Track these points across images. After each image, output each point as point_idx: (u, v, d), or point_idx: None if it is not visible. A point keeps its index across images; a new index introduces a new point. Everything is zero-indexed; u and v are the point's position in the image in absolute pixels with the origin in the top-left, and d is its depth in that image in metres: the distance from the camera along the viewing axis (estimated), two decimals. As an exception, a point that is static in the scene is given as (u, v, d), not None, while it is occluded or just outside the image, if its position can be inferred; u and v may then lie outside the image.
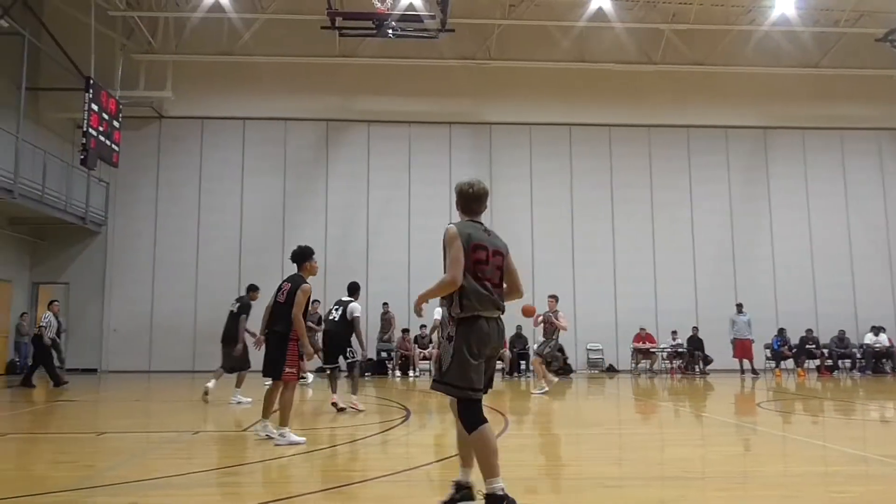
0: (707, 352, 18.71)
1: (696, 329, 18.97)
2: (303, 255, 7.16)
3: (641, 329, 18.95)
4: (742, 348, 17.89)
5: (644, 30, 19.58)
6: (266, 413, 7.10)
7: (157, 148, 19.73)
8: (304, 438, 7.00)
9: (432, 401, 12.02)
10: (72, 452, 6.81)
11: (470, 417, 4.03)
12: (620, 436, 8.29)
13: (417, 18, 16.24)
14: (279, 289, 7.10)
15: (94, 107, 15.29)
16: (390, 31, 15.99)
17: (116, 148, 16.59)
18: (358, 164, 19.92)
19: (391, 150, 19.98)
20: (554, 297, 13.46)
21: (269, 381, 7.22)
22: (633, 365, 18.93)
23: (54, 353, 17.86)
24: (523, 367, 18.19)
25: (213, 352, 17.14)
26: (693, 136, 20.66)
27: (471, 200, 4.40)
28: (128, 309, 19.05)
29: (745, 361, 17.94)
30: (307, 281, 7.06)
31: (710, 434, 8.33)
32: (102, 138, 15.71)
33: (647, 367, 19.11)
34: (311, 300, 7.40)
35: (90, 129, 15.10)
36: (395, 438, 7.66)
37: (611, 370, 19.32)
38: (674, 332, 18.90)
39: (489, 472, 3.95)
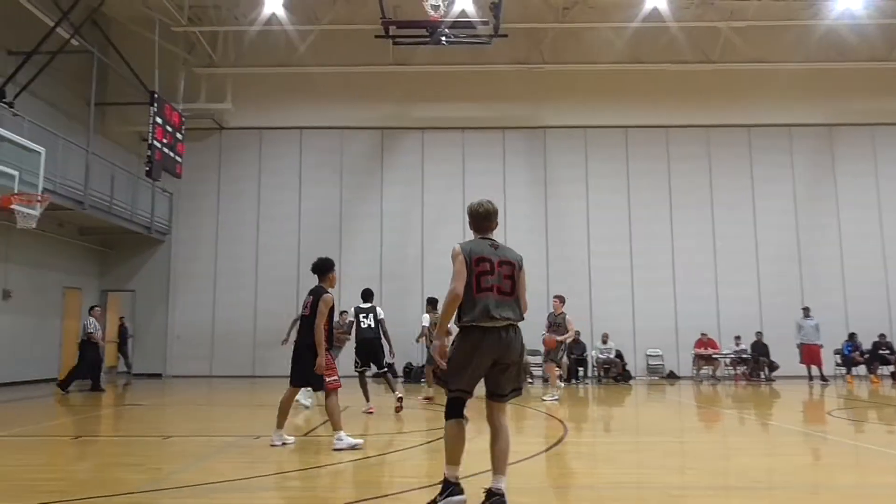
0: (773, 357, 18.10)
1: (760, 334, 18.38)
2: (324, 267, 7.32)
3: (703, 334, 18.47)
4: (810, 354, 17.27)
5: (701, 28, 19.14)
6: (281, 423, 7.16)
7: (217, 159, 20.27)
8: (361, 441, 7.07)
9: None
10: (140, 455, 7.02)
11: (450, 410, 4.54)
12: (683, 444, 8.08)
13: (470, 25, 16.25)
14: (304, 303, 7.26)
15: (159, 120, 15.78)
16: (443, 39, 16.03)
17: (179, 159, 17.09)
18: (413, 170, 20.05)
19: (445, 156, 20.04)
20: (559, 298, 12.88)
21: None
22: (695, 371, 18.46)
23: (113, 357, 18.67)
24: (581, 373, 17.94)
25: (272, 357, 17.56)
26: (754, 135, 20.07)
27: (480, 219, 4.73)
28: (190, 315, 19.57)
29: (814, 368, 17.30)
30: (329, 291, 7.19)
31: (778, 443, 8.05)
32: (167, 150, 16.21)
33: (710, 373, 18.59)
34: (335, 309, 7.54)
35: (155, 142, 15.60)
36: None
37: (671, 377, 18.89)
38: (737, 338, 18.36)
39: (449, 458, 4.46)
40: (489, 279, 4.41)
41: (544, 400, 12.30)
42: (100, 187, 16.80)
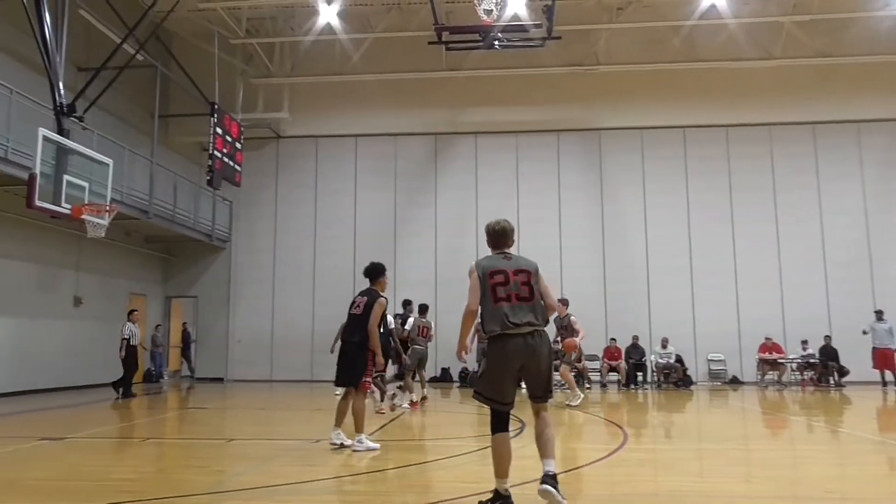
0: (843, 362, 17.42)
1: (828, 338, 17.71)
2: (376, 271, 7.57)
3: (767, 338, 17.89)
4: (883, 358, 16.57)
5: (761, 24, 18.61)
6: (339, 421, 7.29)
7: (275, 167, 20.69)
8: (378, 444, 7.19)
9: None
10: (204, 457, 7.19)
11: (493, 424, 4.64)
12: (748, 452, 7.85)
13: (523, 28, 16.17)
14: (353, 303, 7.42)
15: (219, 130, 16.20)
16: (496, 43, 15.99)
17: (239, 168, 17.51)
18: (466, 175, 20.06)
19: (499, 160, 19.98)
20: (563, 302, 12.50)
21: (339, 391, 7.55)
22: (760, 377, 17.90)
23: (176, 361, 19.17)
24: (640, 378, 17.61)
25: (330, 361, 17.75)
26: (820, 133, 19.37)
27: (497, 236, 5.01)
28: (250, 321, 20.00)
29: (888, 373, 16.58)
30: (382, 295, 7.39)
31: (851, 451, 7.74)
32: (226, 160, 16.62)
33: (775, 378, 18.01)
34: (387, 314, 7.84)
35: (215, 152, 16.00)
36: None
37: (734, 382, 18.36)
38: (804, 342, 17.72)
39: (497, 472, 4.61)
40: (505, 289, 4.66)
41: (570, 404, 11.93)
42: (163, 197, 17.36)
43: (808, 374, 17.74)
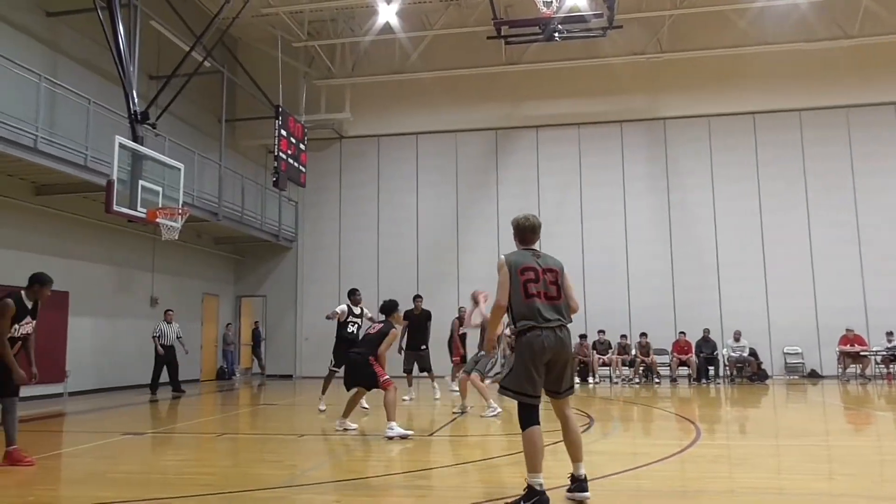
0: (930, 355, 16.53)
1: (916, 329, 16.83)
2: (390, 308, 8.49)
3: (848, 330, 17.11)
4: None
5: (836, 1, 17.81)
6: (347, 413, 8.44)
7: (338, 167, 21.01)
8: (411, 431, 7.85)
9: (614, 408, 11.69)
10: (277, 452, 7.36)
11: (523, 418, 4.62)
12: (829, 448, 7.54)
13: (583, 18, 15.93)
14: (371, 325, 8.57)
15: (283, 132, 16.54)
16: (556, 35, 15.80)
17: (303, 169, 17.84)
18: (528, 169, 19.91)
19: (561, 153, 19.76)
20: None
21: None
22: (840, 370, 17.15)
23: (224, 360, 19.64)
24: (711, 372, 17.14)
25: (397, 358, 17.92)
26: (902, 113, 18.41)
27: (527, 231, 5.02)
28: (317, 319, 20.20)
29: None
30: (395, 327, 8.42)
31: (943, 449, 7.34)
32: (291, 161, 16.96)
33: (858, 372, 17.22)
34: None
35: (281, 154, 16.34)
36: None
37: (813, 376, 17.67)
38: (889, 333, 16.87)
39: (531, 467, 4.52)
40: (535, 286, 4.70)
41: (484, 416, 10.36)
42: (231, 199, 17.85)
43: (894, 367, 16.90)
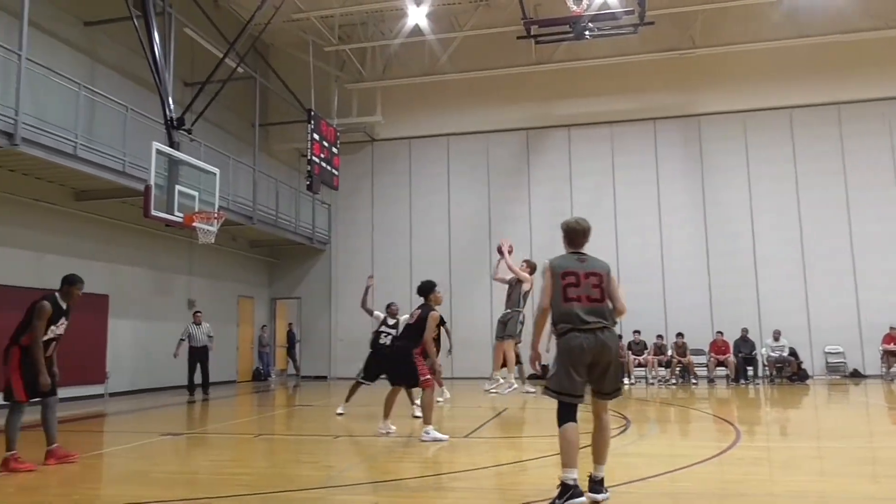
0: (978, 354, 16.02)
1: (964, 328, 16.33)
2: (428, 289, 8.25)
3: (892, 328, 16.65)
4: None
5: (876, -8, 17.37)
6: (387, 414, 8.17)
7: (370, 169, 21.12)
8: (447, 436, 7.65)
9: (651, 410, 11.56)
10: (313, 453, 7.43)
11: (561, 415, 4.75)
12: (874, 450, 7.36)
13: (613, 16, 15.77)
14: (412, 314, 8.32)
15: (316, 136, 16.68)
16: (587, 33, 15.67)
17: (336, 172, 17.97)
18: (560, 169, 19.78)
19: (593, 152, 19.59)
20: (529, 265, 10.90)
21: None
22: (884, 369, 16.71)
23: (262, 361, 19.82)
24: (750, 373, 16.83)
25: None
26: (946, 106, 17.88)
27: (577, 235, 5.08)
28: (351, 320, 20.44)
29: None
30: (435, 308, 8.18)
31: None
32: (324, 164, 17.11)
33: (902, 372, 16.77)
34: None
35: (313, 157, 16.50)
36: (614, 448, 7.41)
37: (856, 375, 17.25)
38: (934, 332, 16.43)
39: (565, 462, 4.65)
40: (575, 290, 4.79)
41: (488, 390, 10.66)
42: (266, 202, 18.06)
43: (940, 367, 16.42)
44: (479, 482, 5.74)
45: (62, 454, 6.42)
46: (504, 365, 10.34)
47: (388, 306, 10.78)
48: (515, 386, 9.96)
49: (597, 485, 4.75)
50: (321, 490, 5.43)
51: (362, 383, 10.22)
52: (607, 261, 5.08)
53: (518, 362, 11.97)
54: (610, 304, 4.87)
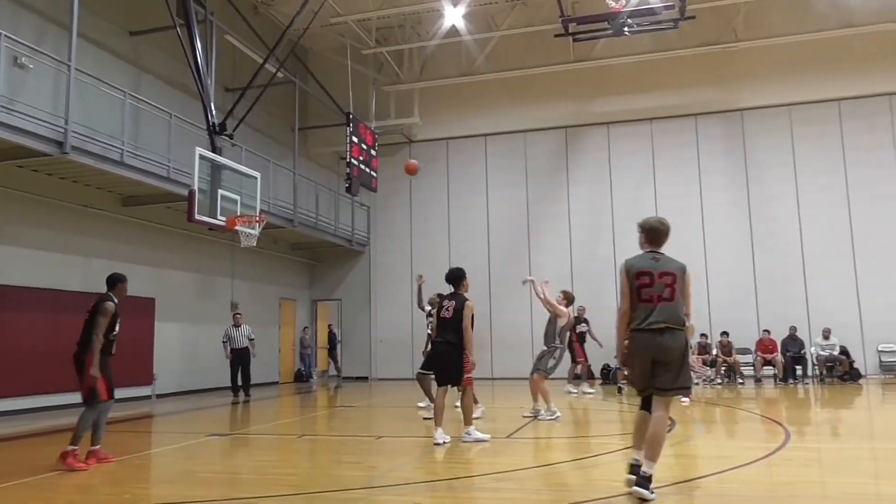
0: None
1: None
2: (458, 276, 8.06)
3: (947, 327, 16.12)
4: None
5: (926, -21, 16.79)
6: (438, 421, 7.53)
7: (408, 171, 21.16)
8: (488, 436, 7.61)
9: (696, 410, 11.36)
10: (356, 454, 7.46)
11: (642, 404, 5.11)
12: (933, 452, 7.09)
13: (653, 11, 15.56)
14: (443, 307, 7.89)
15: (355, 139, 16.81)
16: (626, 29, 15.49)
17: (375, 174, 18.08)
18: (599, 167, 19.57)
19: (633, 149, 19.33)
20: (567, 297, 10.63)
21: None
22: (939, 369, 16.17)
23: (302, 364, 19.96)
24: (799, 372, 16.41)
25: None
26: None
27: (658, 234, 5.22)
28: (391, 321, 20.58)
29: None
30: (468, 298, 7.87)
31: None
32: (363, 167, 17.22)
33: (959, 371, 16.18)
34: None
35: (352, 160, 16.62)
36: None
37: (909, 375, 16.71)
38: None
39: (633, 443, 5.11)
40: (649, 290, 4.95)
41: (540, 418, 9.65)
42: (306, 205, 18.26)
43: None
44: (523, 483, 5.69)
45: (102, 456, 6.58)
46: (541, 396, 9.83)
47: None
48: (559, 415, 9.53)
49: (644, 480, 4.71)
50: (365, 490, 5.45)
51: (423, 374, 9.95)
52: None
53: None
54: (680, 304, 4.99)
